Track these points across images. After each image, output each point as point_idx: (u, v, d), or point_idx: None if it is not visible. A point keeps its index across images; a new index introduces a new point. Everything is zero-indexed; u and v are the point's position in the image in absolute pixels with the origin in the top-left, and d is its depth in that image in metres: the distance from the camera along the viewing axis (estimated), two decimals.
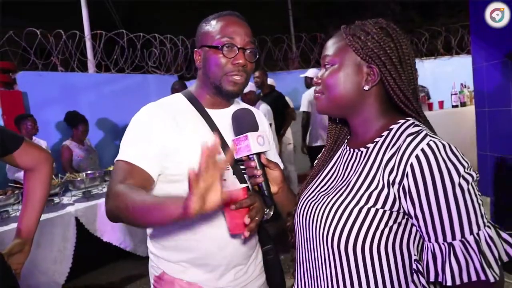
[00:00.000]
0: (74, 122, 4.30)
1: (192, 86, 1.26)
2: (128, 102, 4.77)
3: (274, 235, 1.26)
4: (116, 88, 5.79)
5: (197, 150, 1.11)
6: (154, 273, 1.24)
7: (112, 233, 3.22)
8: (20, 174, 3.80)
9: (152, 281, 1.26)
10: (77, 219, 2.97)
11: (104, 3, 8.23)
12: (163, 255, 1.20)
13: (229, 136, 1.15)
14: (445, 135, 0.82)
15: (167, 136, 1.10)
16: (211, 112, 1.19)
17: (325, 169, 1.02)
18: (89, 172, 3.60)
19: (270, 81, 5.11)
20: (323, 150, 1.07)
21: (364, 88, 0.88)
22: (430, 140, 0.76)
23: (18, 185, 3.17)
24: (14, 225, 2.55)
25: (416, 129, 0.83)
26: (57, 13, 8.62)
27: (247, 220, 0.99)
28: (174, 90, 4.39)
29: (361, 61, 0.87)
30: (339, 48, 0.89)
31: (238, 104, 1.30)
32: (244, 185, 1.05)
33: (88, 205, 3.09)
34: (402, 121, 0.87)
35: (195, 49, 1.19)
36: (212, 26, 1.14)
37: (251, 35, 1.15)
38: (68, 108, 4.46)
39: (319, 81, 0.93)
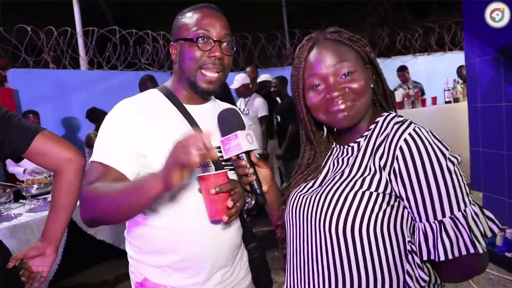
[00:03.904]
0: (92, 117, 4.38)
1: (167, 81, 1.20)
2: (121, 99, 4.59)
3: (259, 233, 1.25)
4: (109, 85, 5.75)
5: None
6: (135, 279, 1.16)
7: (105, 231, 3.20)
8: (19, 169, 3.69)
9: (133, 287, 1.17)
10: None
11: (96, 0, 8.16)
12: (144, 260, 1.12)
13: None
14: (438, 130, 0.84)
15: (145, 134, 1.05)
16: (189, 107, 1.14)
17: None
18: None
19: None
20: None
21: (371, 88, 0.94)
22: (416, 126, 0.82)
23: (9, 184, 3.12)
24: (6, 224, 2.53)
25: (401, 118, 0.88)
26: (48, 10, 8.53)
27: (229, 203, 0.96)
28: None
29: (364, 64, 0.93)
30: (347, 54, 0.90)
31: (215, 101, 1.26)
32: (224, 170, 1.03)
33: None
34: (385, 114, 0.93)
35: (171, 43, 1.15)
36: (188, 18, 1.10)
37: (228, 28, 1.11)
38: (59, 106, 4.41)
39: (342, 92, 0.87)
